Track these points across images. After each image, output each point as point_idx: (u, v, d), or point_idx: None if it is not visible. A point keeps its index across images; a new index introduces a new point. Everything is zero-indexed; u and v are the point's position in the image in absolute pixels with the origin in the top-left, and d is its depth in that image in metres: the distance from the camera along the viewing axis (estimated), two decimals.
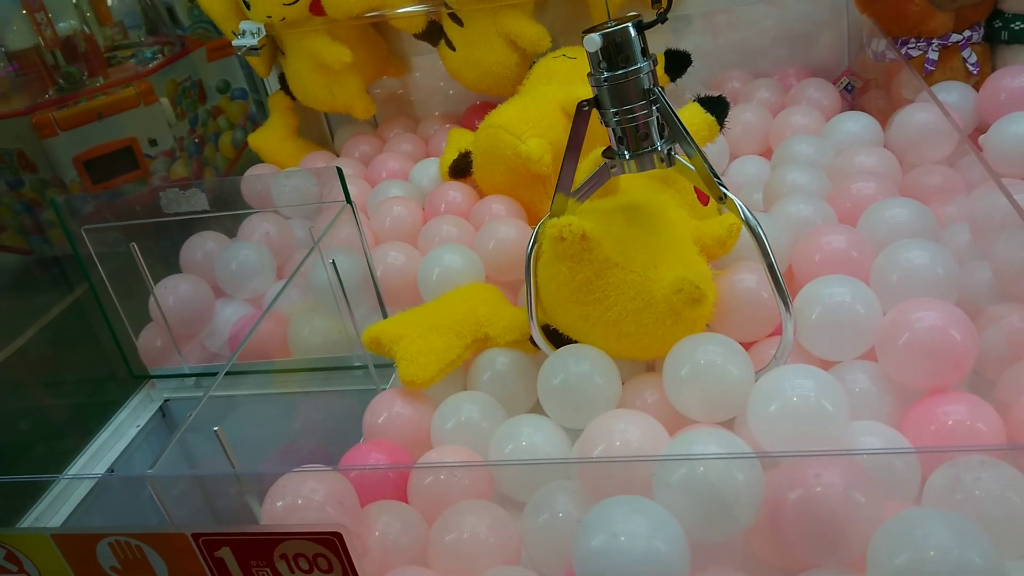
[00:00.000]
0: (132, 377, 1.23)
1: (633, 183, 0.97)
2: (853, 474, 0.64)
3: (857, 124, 1.20)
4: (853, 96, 1.45)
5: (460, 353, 0.97)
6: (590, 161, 0.92)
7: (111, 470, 1.15)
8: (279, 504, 0.72)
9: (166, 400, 1.26)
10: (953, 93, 1.20)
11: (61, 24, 2.35)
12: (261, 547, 0.60)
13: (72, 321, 1.22)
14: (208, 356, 1.27)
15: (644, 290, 0.82)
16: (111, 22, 2.63)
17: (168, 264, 1.27)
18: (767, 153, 1.33)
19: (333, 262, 0.94)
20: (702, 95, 1.08)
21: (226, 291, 1.27)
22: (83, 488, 1.12)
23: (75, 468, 1.13)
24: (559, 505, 0.75)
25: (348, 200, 1.02)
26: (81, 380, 1.22)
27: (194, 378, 1.25)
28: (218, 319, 1.24)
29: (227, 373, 1.12)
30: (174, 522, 0.67)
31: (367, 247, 1.06)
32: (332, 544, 0.59)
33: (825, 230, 0.94)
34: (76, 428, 1.18)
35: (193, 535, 0.61)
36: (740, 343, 0.91)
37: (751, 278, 0.89)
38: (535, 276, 0.90)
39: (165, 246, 1.26)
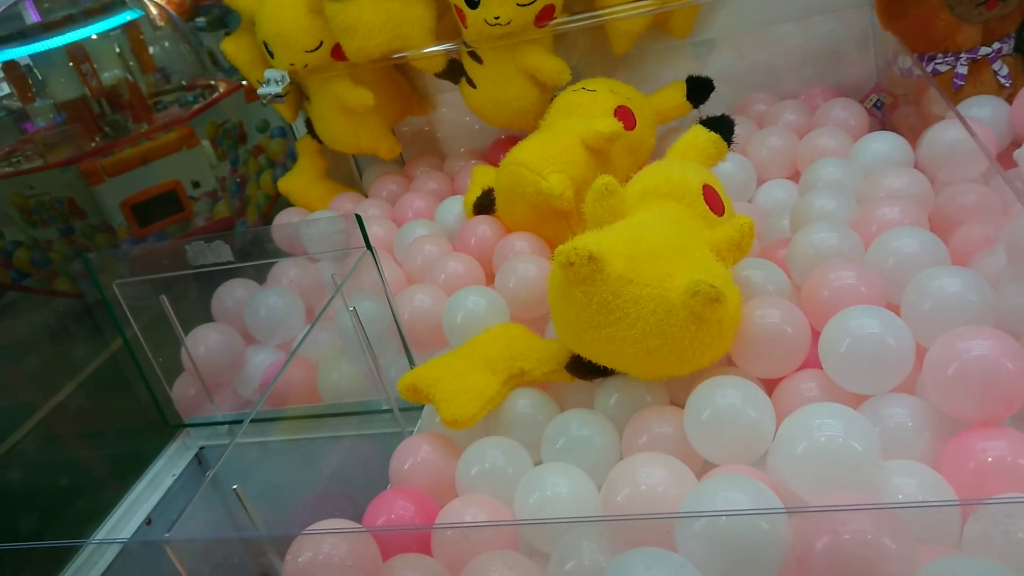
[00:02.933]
0: (167, 426, 1.25)
1: (642, 203, 0.96)
2: (883, 521, 0.61)
3: (885, 144, 1.17)
4: (883, 113, 1.41)
5: (499, 389, 0.96)
6: (594, 190, 0.91)
7: (148, 521, 1.16)
8: (299, 560, 0.72)
9: (201, 448, 1.27)
10: (985, 108, 1.17)
11: (106, 74, 2.42)
12: None
13: (111, 370, 1.24)
14: (241, 403, 1.28)
15: (663, 300, 0.80)
16: (153, 68, 2.71)
17: (201, 312, 1.29)
18: (795, 176, 1.30)
19: (354, 309, 0.94)
20: (704, 117, 1.07)
21: (256, 338, 1.28)
22: (113, 549, 1.14)
23: (113, 519, 1.15)
24: (585, 552, 0.73)
25: (368, 246, 1.03)
26: (119, 430, 1.24)
27: (227, 425, 1.26)
28: (249, 366, 1.25)
29: (255, 420, 1.13)
30: None
31: (389, 292, 1.06)
32: None
33: (832, 267, 0.91)
34: (113, 479, 1.20)
35: None
36: (766, 379, 0.90)
37: (774, 312, 0.87)
38: (553, 309, 0.89)
39: (197, 295, 1.28)
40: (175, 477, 1.23)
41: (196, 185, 2.43)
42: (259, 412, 1.22)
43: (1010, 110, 1.14)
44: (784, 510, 0.63)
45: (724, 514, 0.62)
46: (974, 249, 0.97)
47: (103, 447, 1.24)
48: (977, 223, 1.01)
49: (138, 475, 1.20)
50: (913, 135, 1.20)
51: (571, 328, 0.88)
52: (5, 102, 2.57)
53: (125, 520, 1.16)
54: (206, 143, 2.50)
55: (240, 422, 1.23)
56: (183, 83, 2.72)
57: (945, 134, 1.11)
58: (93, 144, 2.33)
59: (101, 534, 1.13)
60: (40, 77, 2.38)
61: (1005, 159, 1.12)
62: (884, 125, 1.40)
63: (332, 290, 1.29)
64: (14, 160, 2.33)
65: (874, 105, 1.42)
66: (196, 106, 2.50)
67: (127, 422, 1.25)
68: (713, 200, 0.98)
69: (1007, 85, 1.20)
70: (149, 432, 1.24)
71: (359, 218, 1.02)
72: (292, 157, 2.82)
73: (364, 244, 1.03)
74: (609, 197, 0.91)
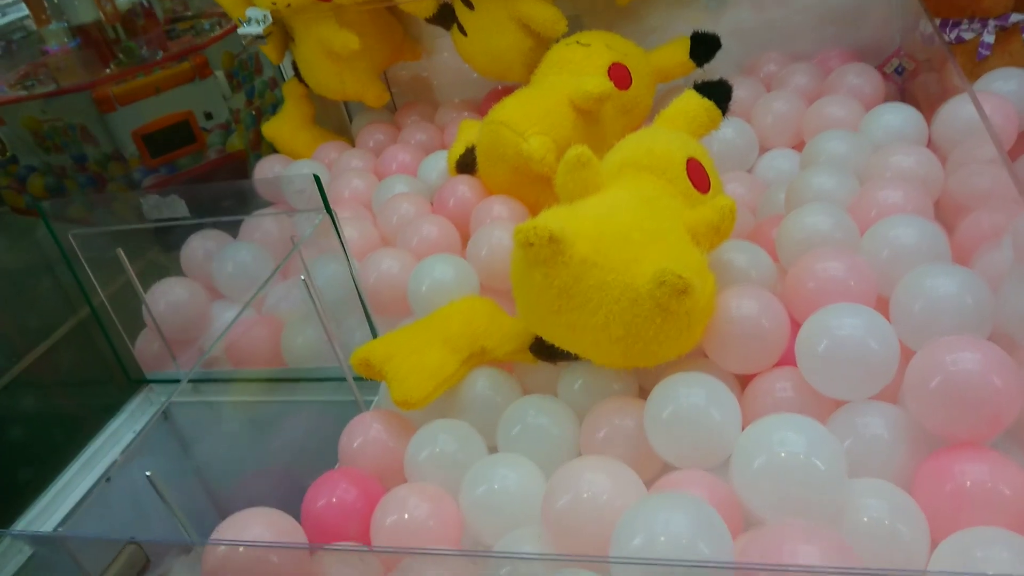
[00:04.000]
0: (130, 382, 1.21)
1: (621, 176, 0.89)
2: (839, 554, 0.55)
3: (898, 117, 1.08)
4: (903, 79, 1.31)
5: (457, 369, 0.91)
6: (565, 161, 0.84)
7: (107, 478, 1.13)
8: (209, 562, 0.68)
9: (168, 404, 1.23)
10: (1011, 81, 1.07)
11: None
12: None
13: (71, 328, 1.20)
14: (209, 361, 1.24)
15: (628, 288, 0.73)
16: None
17: (167, 266, 1.24)
18: (801, 146, 1.21)
19: (303, 278, 0.89)
20: (699, 81, 0.98)
21: (224, 293, 1.23)
22: (79, 492, 1.12)
23: (69, 474, 1.12)
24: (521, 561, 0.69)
25: (328, 210, 0.96)
26: (78, 385, 1.20)
27: (192, 384, 1.22)
28: (216, 323, 1.21)
29: (217, 380, 1.09)
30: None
31: (351, 257, 1.00)
32: None
33: (819, 256, 0.84)
34: (73, 434, 1.16)
35: None
36: (740, 376, 0.83)
37: (752, 304, 0.80)
38: (514, 289, 0.83)
39: (161, 249, 1.23)
40: (136, 433, 1.19)
41: (209, 117, 2.38)
42: (221, 372, 1.18)
43: None
44: (722, 564, 0.57)
45: (660, 563, 0.57)
46: (981, 240, 0.89)
47: (64, 400, 1.21)
48: (988, 210, 0.92)
49: (98, 430, 1.17)
50: (932, 107, 1.10)
51: (532, 311, 0.82)
52: (23, 23, 2.53)
53: (82, 475, 1.14)
54: (220, 74, 2.43)
55: (205, 381, 1.19)
56: (199, 11, 2.65)
57: (961, 110, 1.01)
58: (107, 71, 2.29)
59: (56, 488, 1.10)
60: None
61: None
62: (903, 93, 1.30)
63: (311, 244, 1.24)
64: (28, 83, 2.30)
65: (895, 70, 1.31)
66: (212, 35, 2.44)
67: (89, 376, 1.21)
68: (698, 175, 0.90)
69: None
70: (111, 387, 1.20)
71: (317, 179, 0.95)
72: None
73: (324, 207, 0.96)
74: (582, 169, 0.84)
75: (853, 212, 0.93)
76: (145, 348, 1.21)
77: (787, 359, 0.82)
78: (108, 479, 1.14)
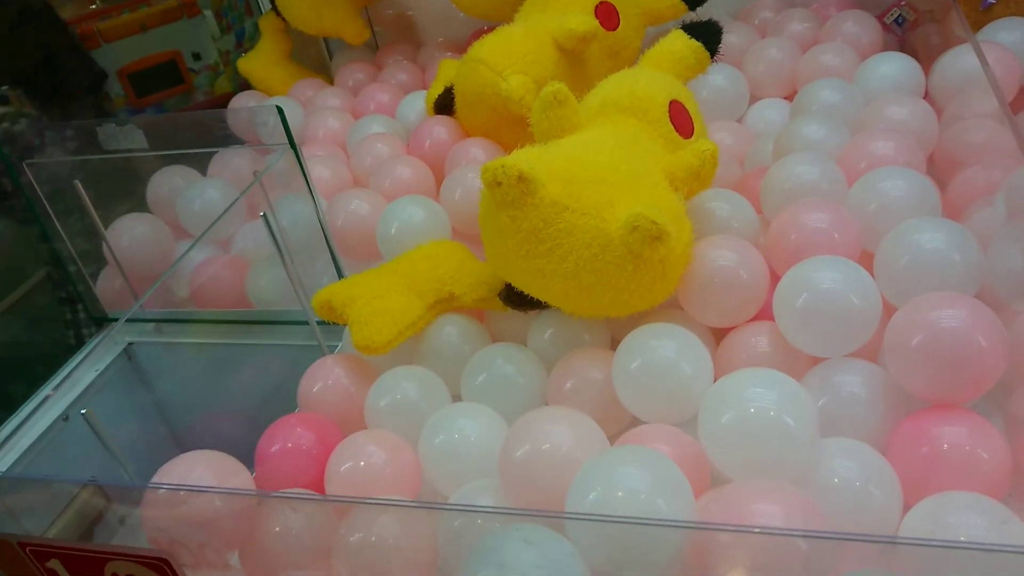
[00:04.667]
0: (91, 320, 1.17)
1: (600, 116, 0.85)
2: (799, 517, 0.53)
3: (895, 67, 1.03)
4: (903, 31, 1.26)
5: (421, 314, 0.87)
6: (541, 99, 0.79)
7: (65, 417, 1.10)
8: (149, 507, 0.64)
9: (130, 344, 1.20)
10: (1016, 31, 1.02)
11: None
12: (91, 563, 0.53)
13: (29, 264, 1.16)
14: (175, 300, 1.20)
15: (600, 233, 0.69)
16: None
17: (128, 202, 1.19)
18: (793, 96, 1.16)
19: (264, 215, 0.84)
20: (688, 21, 0.93)
21: (189, 231, 1.19)
22: (36, 429, 1.08)
23: (25, 413, 1.08)
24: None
25: (292, 144, 0.92)
26: (38, 322, 1.16)
27: (154, 324, 1.18)
28: (182, 262, 1.16)
29: (178, 321, 1.05)
30: (22, 524, 0.60)
31: (316, 195, 0.95)
32: (161, 569, 0.50)
33: (803, 207, 0.80)
34: (30, 373, 1.13)
35: (20, 543, 0.53)
36: (716, 328, 0.80)
37: (730, 255, 0.76)
38: (482, 232, 0.79)
39: (123, 183, 1.18)
40: (98, 372, 1.16)
41: (197, 57, 2.31)
42: (185, 312, 1.14)
43: None
44: (680, 524, 0.54)
45: (619, 521, 0.54)
46: (974, 196, 0.85)
47: (23, 338, 1.17)
48: (983, 166, 0.88)
49: (57, 369, 1.13)
50: (932, 59, 1.06)
51: (499, 256, 0.78)
52: None
53: (39, 415, 1.10)
54: (208, 13, 2.36)
55: (169, 321, 1.16)
56: None
57: (961, 60, 0.97)
58: (92, 7, 2.22)
59: (10, 427, 1.07)
60: None
61: None
62: (902, 45, 1.25)
63: (281, 185, 1.19)
64: None
65: (895, 20, 1.26)
66: None
67: (48, 315, 1.17)
68: (681, 119, 0.86)
69: None
70: (72, 325, 1.16)
71: (280, 110, 0.90)
72: None
73: (286, 141, 0.91)
74: (558, 107, 0.80)
75: (842, 163, 0.89)
76: (107, 286, 1.17)
77: (765, 314, 0.78)
78: (66, 418, 1.11)
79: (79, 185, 1.02)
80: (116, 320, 1.20)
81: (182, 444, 0.97)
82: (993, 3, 1.06)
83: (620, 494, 0.55)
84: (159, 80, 2.27)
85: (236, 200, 0.89)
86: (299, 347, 1.04)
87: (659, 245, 0.68)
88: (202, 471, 0.68)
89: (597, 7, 1.13)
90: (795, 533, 0.50)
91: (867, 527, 0.60)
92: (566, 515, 0.58)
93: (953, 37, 1.09)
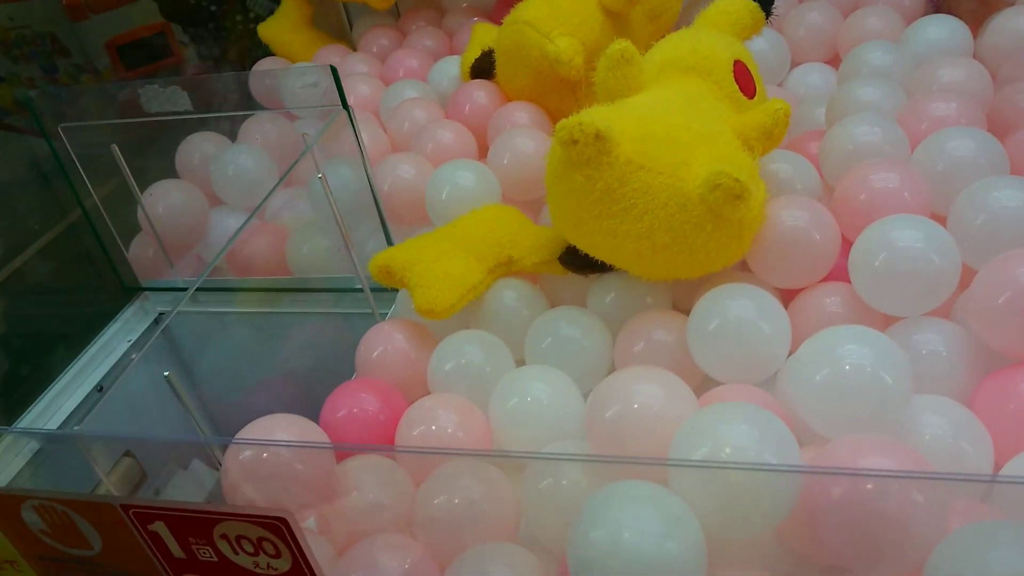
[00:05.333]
0: (123, 289, 1.15)
1: (662, 76, 0.83)
2: (916, 467, 0.52)
3: (943, 30, 1.03)
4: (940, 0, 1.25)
5: (482, 278, 0.86)
6: (607, 57, 0.78)
7: (99, 388, 1.08)
8: (233, 472, 0.63)
9: (161, 314, 1.18)
10: None
11: None
12: (199, 525, 0.51)
13: (68, 231, 1.13)
14: (205, 269, 1.18)
15: (677, 192, 0.69)
16: None
17: (163, 167, 1.16)
18: (834, 61, 1.16)
19: (322, 176, 0.82)
20: None
21: (223, 199, 1.17)
22: (71, 402, 1.07)
23: (59, 385, 1.06)
24: (564, 471, 0.65)
25: (344, 105, 0.90)
26: (71, 291, 1.14)
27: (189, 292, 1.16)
28: (215, 230, 1.15)
29: (218, 289, 1.03)
30: (111, 484, 0.59)
31: (367, 159, 0.93)
32: (277, 529, 0.49)
33: (872, 167, 0.79)
34: (64, 343, 1.11)
35: (123, 506, 0.52)
36: (785, 291, 0.79)
37: (802, 215, 0.76)
38: (550, 193, 0.78)
39: (158, 147, 1.15)
40: (131, 343, 1.14)
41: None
42: (222, 281, 1.12)
43: None
44: (799, 468, 0.54)
45: (723, 466, 0.53)
46: None
47: (54, 308, 1.14)
48: None
49: (91, 339, 1.11)
50: (972, 26, 1.05)
51: (568, 216, 0.76)
52: None
53: (74, 385, 1.08)
54: None
55: (204, 289, 1.14)
56: None
57: (1014, 21, 0.96)
58: None
59: (47, 399, 1.05)
60: None
61: None
62: (938, 11, 1.24)
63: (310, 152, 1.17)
64: None
65: None
66: None
67: (79, 283, 1.15)
68: (744, 79, 0.85)
69: None
70: (104, 294, 1.14)
71: (334, 70, 0.88)
72: None
73: (340, 103, 0.89)
74: (625, 66, 0.78)
75: (901, 125, 0.88)
76: (140, 254, 1.14)
77: (832, 276, 0.78)
78: (100, 388, 1.09)
79: (115, 149, 1.00)
80: (147, 289, 1.17)
81: (226, 416, 0.95)
82: None
83: (728, 450, 0.55)
84: (148, 52, 2.23)
85: (294, 164, 0.87)
86: (341, 315, 1.03)
87: (740, 204, 0.67)
88: (283, 434, 0.67)
89: None
90: (910, 474, 0.50)
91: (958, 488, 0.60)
92: (664, 461, 0.58)
93: (996, 2, 1.09)
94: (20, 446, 0.91)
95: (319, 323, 1.02)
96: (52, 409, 1.06)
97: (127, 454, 0.90)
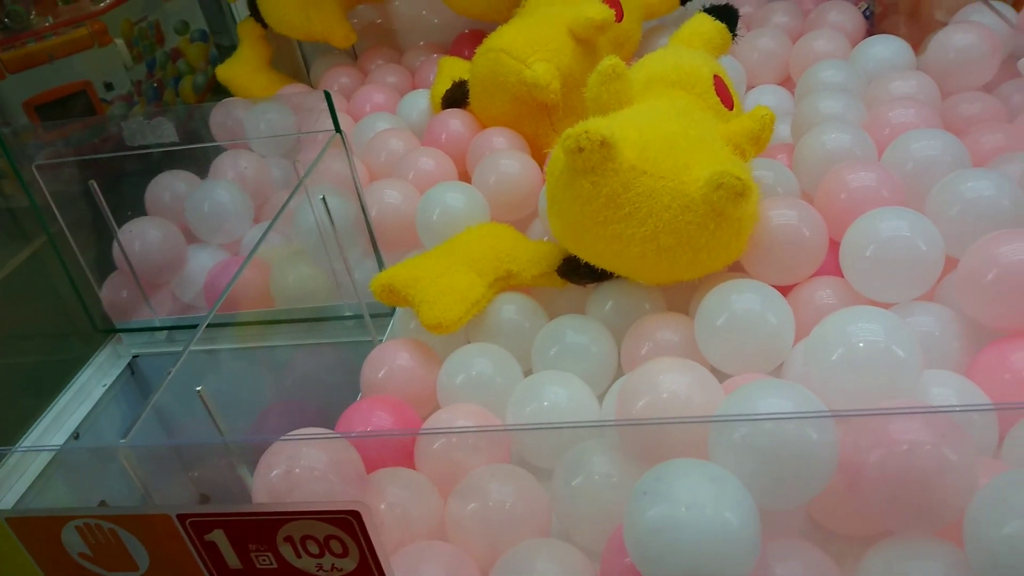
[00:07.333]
0: (96, 332, 1.12)
1: (648, 91, 0.88)
2: (945, 430, 0.56)
3: (888, 49, 1.11)
4: (872, 23, 1.35)
5: (484, 292, 0.87)
6: (599, 73, 0.82)
7: (75, 435, 1.04)
8: (274, 475, 0.62)
9: (135, 356, 1.15)
10: (987, 15, 1.11)
11: None
12: (261, 529, 0.51)
13: (31, 272, 1.09)
14: (180, 307, 1.16)
15: (680, 194, 0.72)
16: None
17: (134, 207, 1.14)
18: (786, 82, 1.23)
19: (323, 199, 0.83)
20: (707, 5, 0.98)
21: (199, 236, 1.15)
22: (42, 459, 1.01)
23: (35, 434, 1.02)
24: (596, 466, 0.66)
25: (338, 129, 0.91)
26: (41, 335, 1.10)
27: (165, 332, 1.14)
28: (191, 267, 1.13)
29: (219, 324, 1.01)
30: (154, 500, 0.57)
31: (359, 182, 0.94)
32: (348, 525, 0.49)
33: (850, 168, 0.85)
34: (36, 389, 1.06)
35: (179, 516, 0.51)
36: (779, 287, 0.83)
37: (790, 213, 0.80)
38: (552, 203, 0.80)
39: (130, 186, 1.13)
40: (106, 387, 1.10)
41: (109, 87, 2.23)
42: (196, 319, 1.10)
43: (1019, 17, 1.09)
44: (843, 413, 0.57)
45: (771, 417, 0.56)
46: (986, 157, 0.92)
47: (23, 354, 1.10)
48: (986, 132, 0.95)
49: (64, 385, 1.07)
50: (910, 44, 1.14)
51: (573, 224, 0.79)
52: None
53: (48, 434, 1.04)
54: (120, 42, 2.29)
55: (181, 328, 1.11)
56: None
57: (953, 38, 1.04)
58: None
59: (17, 456, 1.00)
60: None
61: (1007, 69, 1.07)
62: (871, 34, 1.33)
63: (282, 185, 1.17)
64: None
65: (863, 12, 1.35)
66: (108, 1, 2.28)
67: (51, 326, 1.11)
68: (723, 92, 0.90)
69: None
70: (75, 338, 1.10)
71: (328, 96, 0.90)
72: (214, 63, 2.61)
73: (333, 127, 0.90)
74: (616, 81, 0.82)
75: (867, 132, 0.94)
76: (113, 294, 1.12)
77: (821, 270, 0.82)
78: (77, 436, 1.05)
79: (94, 186, 0.98)
80: (120, 331, 1.14)
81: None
82: None
83: (770, 427, 0.57)
84: (68, 111, 2.19)
85: (294, 192, 0.86)
86: (335, 344, 1.02)
87: (742, 201, 0.71)
88: (314, 450, 0.66)
89: None
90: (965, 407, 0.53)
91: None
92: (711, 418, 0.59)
93: (928, 23, 1.18)
94: None
95: (312, 352, 1.01)
96: (23, 466, 1.01)
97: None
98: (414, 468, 0.75)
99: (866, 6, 1.36)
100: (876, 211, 0.77)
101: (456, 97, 1.18)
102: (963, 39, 1.03)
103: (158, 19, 2.39)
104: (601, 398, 0.78)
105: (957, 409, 0.59)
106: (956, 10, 1.16)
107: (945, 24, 1.12)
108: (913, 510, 0.55)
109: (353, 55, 1.57)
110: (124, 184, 1.15)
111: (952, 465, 0.54)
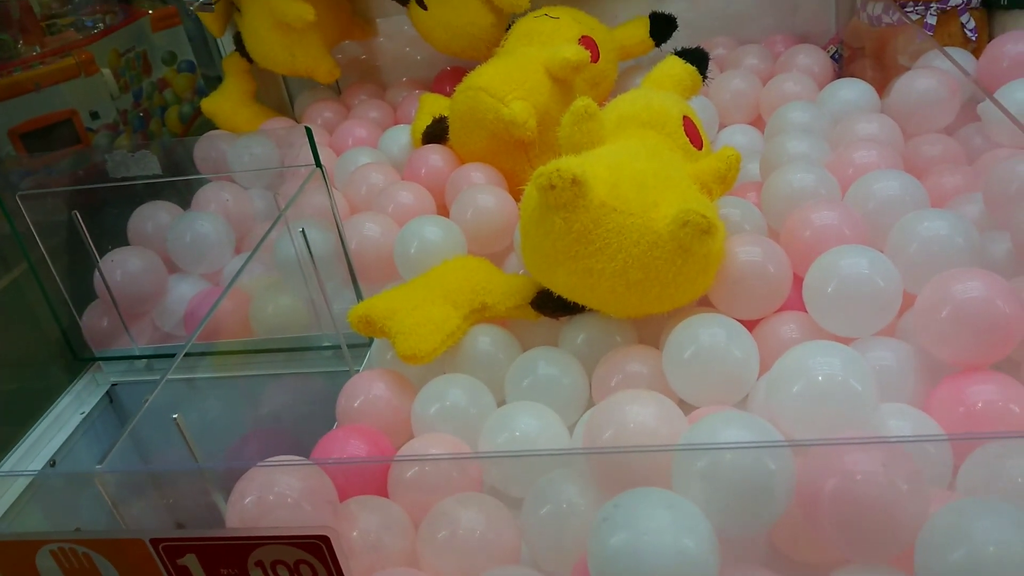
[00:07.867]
0: (76, 360, 1.12)
1: (620, 131, 0.91)
2: (896, 461, 0.58)
3: (853, 91, 1.15)
4: (841, 66, 1.40)
5: (459, 324, 0.89)
6: (572, 113, 0.85)
7: (52, 463, 1.05)
8: (247, 501, 0.63)
9: (113, 385, 1.16)
10: (944, 63, 1.15)
11: None
12: (233, 553, 0.52)
13: (11, 300, 1.10)
14: (160, 336, 1.17)
15: (648, 231, 0.74)
16: None
17: (115, 237, 1.16)
18: (757, 122, 1.27)
19: (303, 231, 0.85)
20: (679, 48, 1.02)
21: (180, 266, 1.17)
22: (18, 485, 1.01)
23: (11, 461, 1.02)
24: (564, 495, 0.68)
25: (318, 163, 0.93)
26: (20, 363, 1.10)
27: (145, 361, 1.15)
28: (171, 296, 1.14)
29: (199, 353, 1.03)
30: (128, 526, 0.58)
31: (338, 215, 0.96)
32: (318, 549, 0.51)
33: (814, 207, 0.88)
34: (13, 416, 1.07)
35: (152, 541, 0.52)
36: (745, 321, 0.86)
37: (756, 250, 0.83)
38: (526, 238, 0.83)
39: (112, 217, 1.15)
40: (84, 415, 1.11)
41: (95, 116, 2.25)
42: (175, 348, 1.12)
43: (977, 64, 1.13)
44: (800, 443, 0.59)
45: (731, 447, 0.58)
46: (946, 197, 0.96)
47: (2, 381, 1.10)
48: (946, 173, 0.99)
49: (42, 413, 1.08)
50: (874, 87, 1.18)
51: (545, 259, 0.81)
52: None
53: (25, 462, 1.04)
54: (107, 71, 2.31)
55: (160, 357, 1.12)
56: (81, 6, 2.50)
57: (916, 82, 1.09)
58: None
59: None
60: None
61: (967, 113, 1.11)
62: (839, 76, 1.38)
63: (264, 217, 1.19)
64: None
65: (832, 56, 1.39)
66: (95, 31, 2.31)
67: (30, 354, 1.12)
68: (692, 132, 0.93)
69: (973, 39, 1.19)
70: (54, 366, 1.11)
71: (309, 131, 0.92)
72: (200, 94, 2.65)
73: (313, 162, 0.93)
74: (588, 121, 0.85)
75: (830, 172, 0.97)
76: (94, 322, 1.13)
77: (786, 305, 0.85)
78: (53, 463, 1.06)
79: (77, 216, 1.00)
80: (100, 359, 1.15)
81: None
82: (931, 35, 1.19)
83: (730, 457, 0.59)
84: (54, 139, 2.20)
85: (273, 225, 0.88)
86: (313, 374, 1.04)
87: (707, 238, 0.73)
88: (288, 477, 0.67)
89: (579, 40, 1.20)
90: (905, 439, 0.55)
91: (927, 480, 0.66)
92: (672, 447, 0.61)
93: (894, 66, 1.22)
94: None
95: (289, 382, 1.02)
96: (3, 486, 1.02)
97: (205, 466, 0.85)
98: (387, 496, 0.76)
99: (835, 49, 1.41)
100: (837, 249, 0.80)
101: (436, 133, 1.21)
102: (924, 83, 1.07)
103: (145, 49, 2.42)
104: (572, 428, 0.80)
105: (910, 439, 0.61)
106: (920, 55, 1.20)
107: (909, 68, 1.16)
108: (866, 537, 0.57)
109: (337, 90, 1.60)
110: (107, 214, 1.16)
111: (903, 494, 0.57)
